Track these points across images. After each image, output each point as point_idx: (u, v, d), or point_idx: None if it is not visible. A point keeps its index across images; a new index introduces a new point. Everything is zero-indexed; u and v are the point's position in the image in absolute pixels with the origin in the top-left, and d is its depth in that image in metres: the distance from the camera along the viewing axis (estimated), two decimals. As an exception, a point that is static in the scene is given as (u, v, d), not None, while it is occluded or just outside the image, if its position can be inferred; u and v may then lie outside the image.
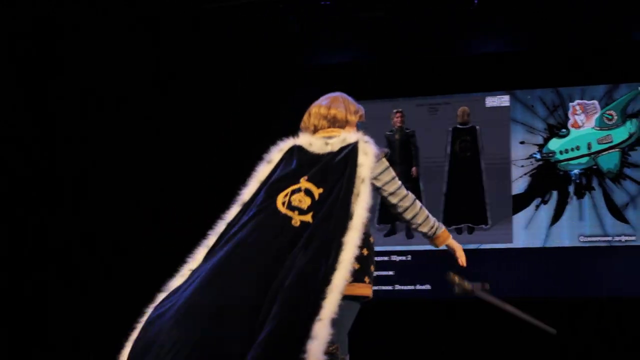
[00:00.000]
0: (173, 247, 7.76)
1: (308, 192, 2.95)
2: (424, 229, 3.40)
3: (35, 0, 7.25)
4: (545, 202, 7.66)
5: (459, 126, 7.95)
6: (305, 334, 2.63)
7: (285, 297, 2.72)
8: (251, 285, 2.79)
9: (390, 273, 7.61)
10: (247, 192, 3.12)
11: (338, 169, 3.03)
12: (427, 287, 7.66)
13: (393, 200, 3.24)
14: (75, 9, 7.42)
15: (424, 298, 7.65)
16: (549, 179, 7.71)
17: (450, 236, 3.52)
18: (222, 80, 8.17)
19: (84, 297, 7.47)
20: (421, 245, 7.14)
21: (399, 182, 3.25)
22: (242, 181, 3.29)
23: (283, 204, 2.93)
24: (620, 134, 7.59)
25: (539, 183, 7.72)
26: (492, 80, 7.96)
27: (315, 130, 3.24)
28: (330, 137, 3.18)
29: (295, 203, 2.92)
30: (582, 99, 7.73)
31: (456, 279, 3.22)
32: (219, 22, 7.78)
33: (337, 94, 3.38)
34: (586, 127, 7.68)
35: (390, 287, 7.74)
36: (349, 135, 3.17)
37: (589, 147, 7.65)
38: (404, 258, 7.77)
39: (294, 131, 3.27)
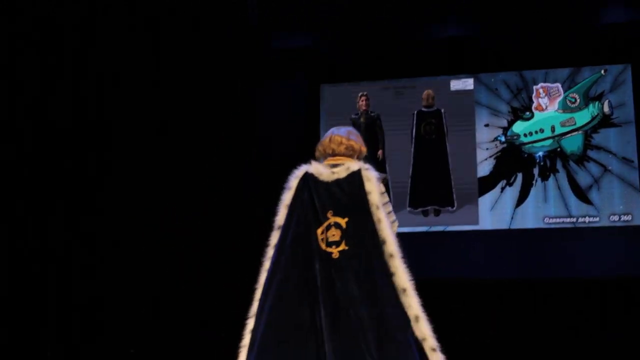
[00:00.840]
0: (172, 247, 7.82)
1: (337, 225, 3.42)
2: None
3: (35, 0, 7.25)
4: (510, 184, 7.72)
5: (424, 109, 7.97)
6: None
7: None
8: (308, 312, 3.32)
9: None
10: (280, 218, 3.56)
11: (352, 198, 3.46)
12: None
13: None
14: (75, 9, 7.44)
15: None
16: (514, 162, 7.78)
17: None
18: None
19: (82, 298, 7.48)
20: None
21: (391, 206, 3.55)
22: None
23: (322, 240, 3.41)
24: (583, 117, 7.68)
25: (504, 165, 7.78)
26: (457, 63, 8.01)
27: (332, 154, 3.64)
28: (335, 166, 3.57)
29: (331, 239, 3.40)
30: (545, 82, 7.80)
31: None
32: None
33: (350, 128, 3.79)
34: (550, 110, 7.76)
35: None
36: (352, 164, 3.55)
37: (553, 130, 7.72)
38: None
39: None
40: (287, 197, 3.56)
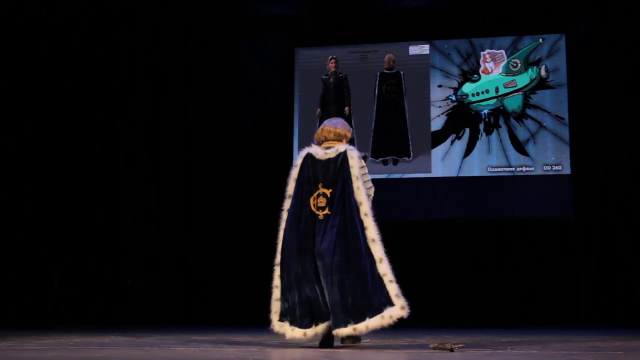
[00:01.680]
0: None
1: (324, 195, 4.51)
2: None
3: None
4: (459, 137, 8.64)
5: (385, 71, 8.85)
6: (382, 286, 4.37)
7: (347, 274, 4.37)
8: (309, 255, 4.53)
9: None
10: (290, 188, 4.66)
11: (338, 173, 4.53)
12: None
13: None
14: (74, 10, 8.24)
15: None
16: (463, 118, 8.69)
17: None
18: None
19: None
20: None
21: (369, 176, 4.64)
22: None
23: (314, 205, 4.54)
24: (523, 79, 8.63)
25: (454, 121, 8.69)
26: (414, 31, 8.88)
27: (325, 140, 4.70)
28: (328, 148, 4.64)
29: (319, 204, 4.52)
30: (491, 49, 8.73)
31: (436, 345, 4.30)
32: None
33: (340, 119, 4.89)
34: (494, 73, 8.69)
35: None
36: (340, 146, 4.63)
37: (497, 91, 8.66)
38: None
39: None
40: (294, 172, 4.66)
